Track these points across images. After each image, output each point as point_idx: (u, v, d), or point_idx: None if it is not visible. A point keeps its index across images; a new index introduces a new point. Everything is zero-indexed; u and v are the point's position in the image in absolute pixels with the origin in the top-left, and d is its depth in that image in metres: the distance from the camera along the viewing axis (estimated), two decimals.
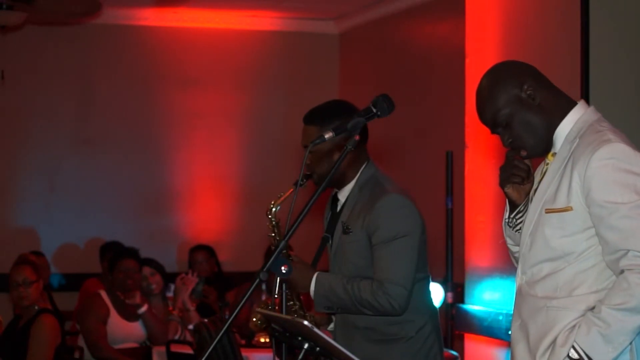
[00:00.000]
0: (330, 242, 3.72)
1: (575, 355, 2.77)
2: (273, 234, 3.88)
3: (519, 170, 2.99)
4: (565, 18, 5.17)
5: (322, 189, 2.98)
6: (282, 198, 3.78)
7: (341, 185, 3.68)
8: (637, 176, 2.77)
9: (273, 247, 3.90)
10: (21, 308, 6.00)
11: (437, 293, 6.21)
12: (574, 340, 2.78)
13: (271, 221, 3.85)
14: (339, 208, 3.70)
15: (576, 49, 4.99)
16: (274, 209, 3.83)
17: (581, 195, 2.82)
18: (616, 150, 2.79)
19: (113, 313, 6.51)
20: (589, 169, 2.80)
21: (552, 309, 2.87)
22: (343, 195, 3.69)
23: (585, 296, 2.84)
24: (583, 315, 2.81)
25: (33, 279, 5.86)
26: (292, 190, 3.71)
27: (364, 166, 3.67)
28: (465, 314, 5.89)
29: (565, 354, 2.79)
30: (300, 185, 3.56)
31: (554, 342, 2.84)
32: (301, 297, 3.88)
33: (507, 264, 3.07)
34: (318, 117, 3.66)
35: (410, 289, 3.50)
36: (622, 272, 2.76)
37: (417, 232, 3.55)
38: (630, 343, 2.79)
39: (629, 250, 2.74)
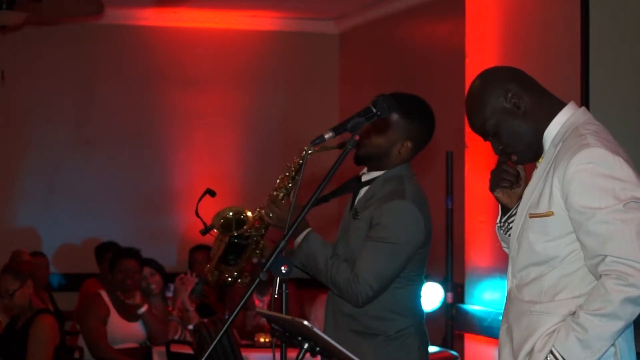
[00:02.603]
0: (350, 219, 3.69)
1: None
2: (292, 168, 3.73)
3: (508, 175, 3.00)
4: (565, 18, 5.17)
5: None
6: (323, 149, 3.42)
7: (376, 167, 3.67)
8: (615, 180, 2.75)
9: (278, 180, 3.81)
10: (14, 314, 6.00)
11: (437, 293, 6.21)
12: (553, 345, 2.78)
13: (301, 158, 3.68)
14: (358, 186, 3.70)
15: (576, 49, 4.99)
16: (309, 152, 3.58)
17: (561, 200, 2.81)
18: (594, 154, 2.77)
19: (113, 313, 6.51)
20: (567, 174, 2.79)
21: (535, 314, 2.87)
22: (366, 177, 3.69)
23: (567, 301, 2.84)
24: (564, 320, 2.81)
25: (15, 287, 5.83)
26: (334, 147, 3.58)
27: (401, 164, 3.67)
28: (465, 314, 5.89)
29: (543, 359, 2.79)
30: (348, 148, 3.39)
31: (533, 347, 2.84)
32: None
33: (507, 264, 3.09)
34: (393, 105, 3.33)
35: (378, 290, 3.52)
36: (600, 277, 2.76)
37: (410, 245, 3.57)
38: (615, 347, 2.79)
39: (606, 256, 2.73)
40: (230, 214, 3.99)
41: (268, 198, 3.77)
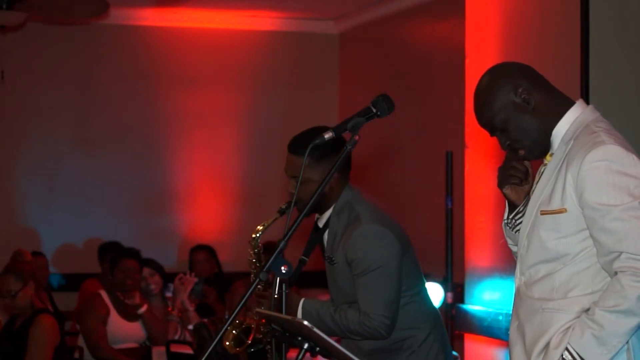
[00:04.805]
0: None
1: (569, 358, 2.77)
2: (254, 260, 3.91)
3: (517, 172, 3.00)
4: (565, 18, 5.17)
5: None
6: (267, 225, 3.81)
7: (322, 210, 3.71)
8: (630, 178, 2.76)
9: (252, 274, 3.95)
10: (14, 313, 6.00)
11: (437, 293, 6.21)
12: (568, 343, 2.79)
13: (253, 249, 3.90)
14: (319, 234, 3.74)
15: (576, 49, 4.99)
16: (257, 236, 3.87)
17: (575, 197, 2.82)
18: (609, 152, 2.79)
19: (113, 313, 6.51)
20: (581, 171, 2.79)
21: (548, 311, 2.87)
22: (322, 221, 3.74)
23: (580, 298, 2.84)
24: (577, 317, 2.81)
25: (17, 288, 5.83)
26: (276, 217, 3.77)
27: (343, 192, 3.68)
28: (465, 314, 5.88)
29: (559, 356, 2.80)
30: (284, 212, 3.61)
31: (548, 344, 2.84)
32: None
33: (507, 264, 3.08)
34: (305, 145, 3.35)
35: (392, 315, 3.56)
36: (615, 274, 2.76)
37: (393, 260, 3.58)
38: (627, 343, 2.79)
39: (621, 253, 2.74)
40: (234, 332, 4.15)
41: (254, 297, 3.83)
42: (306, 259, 3.77)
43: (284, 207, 3.72)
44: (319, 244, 3.77)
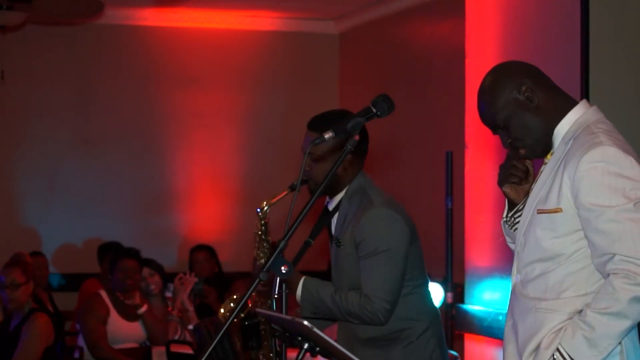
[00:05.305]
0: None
1: (560, 358, 2.77)
2: (260, 232, 3.91)
3: (517, 171, 3.00)
4: (565, 18, 5.17)
5: (319, 192, 2.97)
6: (276, 199, 3.81)
7: (334, 193, 3.71)
8: (626, 180, 2.76)
9: (256, 246, 3.94)
10: (11, 309, 6.00)
11: (437, 293, 6.21)
12: (559, 343, 2.78)
13: (260, 219, 3.89)
14: (328, 217, 3.73)
15: (576, 49, 4.99)
16: (265, 208, 3.87)
17: (570, 197, 2.82)
18: (606, 153, 2.78)
19: (113, 313, 6.51)
20: (578, 171, 2.79)
21: (541, 311, 2.87)
22: (332, 204, 3.73)
23: (573, 299, 2.84)
24: (570, 318, 2.81)
25: (21, 281, 5.85)
26: (285, 192, 3.77)
27: (355, 176, 3.69)
28: (465, 314, 5.89)
29: (549, 357, 2.80)
30: (294, 188, 3.61)
31: (539, 345, 2.84)
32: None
33: (507, 264, 3.08)
34: (324, 123, 3.57)
35: (394, 301, 3.54)
36: (608, 275, 2.76)
37: (401, 246, 3.57)
38: (621, 345, 2.79)
39: (615, 254, 2.73)
40: (232, 304, 4.17)
41: (255, 268, 3.82)
42: (312, 241, 3.75)
43: (295, 183, 3.71)
44: (327, 227, 3.75)
